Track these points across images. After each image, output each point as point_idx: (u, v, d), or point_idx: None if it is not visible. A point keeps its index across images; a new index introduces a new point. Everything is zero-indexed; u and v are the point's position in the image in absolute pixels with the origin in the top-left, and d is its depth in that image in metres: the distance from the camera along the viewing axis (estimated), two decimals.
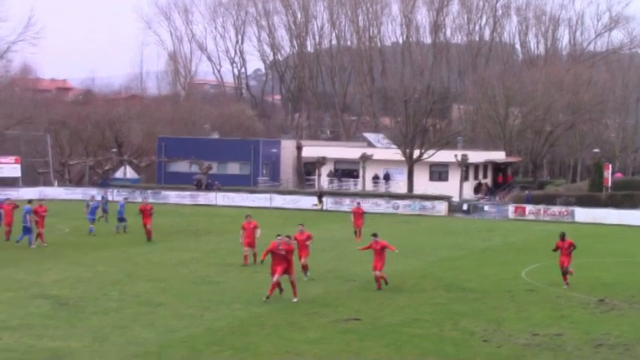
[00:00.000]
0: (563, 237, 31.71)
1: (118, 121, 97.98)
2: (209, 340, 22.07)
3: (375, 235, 30.95)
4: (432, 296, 29.79)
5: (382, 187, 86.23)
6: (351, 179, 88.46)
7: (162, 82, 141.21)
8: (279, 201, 73.95)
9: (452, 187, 79.70)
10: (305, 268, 32.08)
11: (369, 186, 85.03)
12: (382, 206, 71.11)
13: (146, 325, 23.66)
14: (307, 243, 31.96)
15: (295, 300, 27.43)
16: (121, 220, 47.73)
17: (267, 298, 27.29)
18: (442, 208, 70.96)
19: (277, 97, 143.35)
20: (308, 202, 73.19)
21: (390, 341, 22.64)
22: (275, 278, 27.30)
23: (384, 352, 21.51)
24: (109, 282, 30.72)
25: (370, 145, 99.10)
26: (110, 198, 69.69)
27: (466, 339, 23.31)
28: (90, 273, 32.84)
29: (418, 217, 68.07)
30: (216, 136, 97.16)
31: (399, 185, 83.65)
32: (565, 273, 31.62)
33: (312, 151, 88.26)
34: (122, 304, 26.72)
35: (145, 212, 44.07)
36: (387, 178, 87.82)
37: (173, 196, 76.44)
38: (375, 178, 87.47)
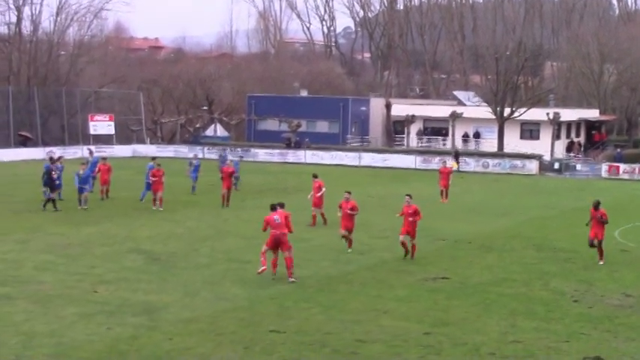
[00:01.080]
0: (596, 206, 27.80)
1: (208, 79, 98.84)
2: (298, 297, 22.30)
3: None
4: (521, 256, 29.53)
5: (472, 146, 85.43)
6: (440, 137, 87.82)
7: (252, 41, 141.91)
8: (368, 159, 73.88)
9: (543, 145, 78.45)
10: (346, 237, 29.21)
11: (459, 144, 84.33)
12: (472, 165, 70.50)
13: (236, 281, 24.02)
14: (352, 213, 28.86)
15: (291, 280, 24.13)
16: (236, 178, 48.45)
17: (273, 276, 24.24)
18: (533, 166, 69.99)
19: (367, 54, 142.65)
20: (397, 160, 72.94)
21: (479, 300, 22.55)
22: (265, 256, 24.35)
23: (472, 311, 21.44)
24: (200, 238, 31.21)
25: (460, 103, 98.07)
26: (200, 155, 70.63)
27: (556, 299, 23.08)
28: (181, 229, 33.42)
29: (508, 175, 67.30)
30: (305, 94, 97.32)
31: (489, 144, 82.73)
32: (598, 246, 27.99)
33: (401, 109, 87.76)
34: (212, 260, 27.15)
35: (226, 175, 41.86)
36: (476, 136, 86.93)
37: (262, 154, 77.04)
38: (465, 136, 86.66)
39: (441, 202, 44.56)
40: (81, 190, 39.46)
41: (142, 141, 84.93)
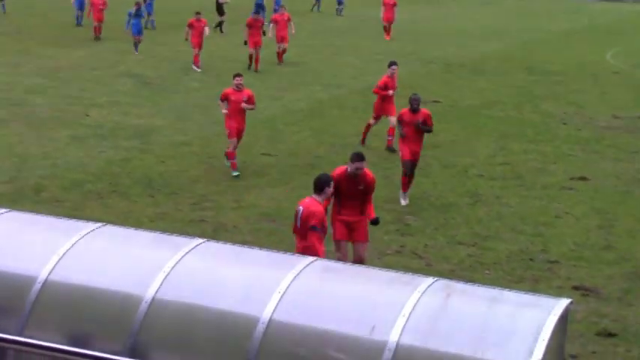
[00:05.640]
0: (415, 107, 16.11)
1: None
2: (288, 121, 22.44)
3: None
4: (512, 79, 29.57)
5: None
6: None
7: None
8: None
9: None
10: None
11: None
12: None
13: None
14: (247, 108, 17.92)
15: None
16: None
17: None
18: None
19: None
20: None
21: (470, 123, 22.75)
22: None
23: (462, 134, 21.67)
24: (190, 62, 31.03)
25: None
26: None
27: (545, 121, 23.30)
28: (172, 53, 33.17)
29: None
30: None
31: None
32: (410, 171, 16.26)
33: None
34: (203, 84, 27.11)
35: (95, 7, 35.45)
36: None
37: None
38: None
39: (385, 39, 39.26)
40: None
41: None
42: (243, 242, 12.19)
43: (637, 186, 17.81)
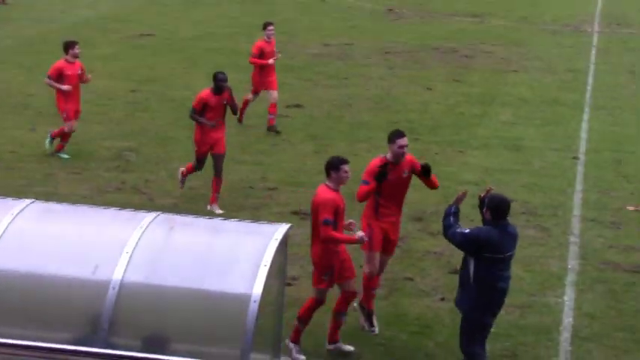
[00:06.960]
0: (221, 86, 12.81)
1: None
2: None
3: None
4: (226, 9, 29.80)
5: None
6: None
7: None
8: None
9: None
10: None
11: None
12: None
13: None
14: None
15: None
16: None
17: None
18: None
19: None
20: None
21: (186, 56, 22.79)
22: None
23: (179, 67, 21.71)
24: None
25: None
26: None
27: None
28: None
29: None
30: None
31: None
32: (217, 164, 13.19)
33: None
34: None
35: None
36: None
37: None
38: None
39: None
40: None
41: None
42: None
43: (348, 110, 18.63)
